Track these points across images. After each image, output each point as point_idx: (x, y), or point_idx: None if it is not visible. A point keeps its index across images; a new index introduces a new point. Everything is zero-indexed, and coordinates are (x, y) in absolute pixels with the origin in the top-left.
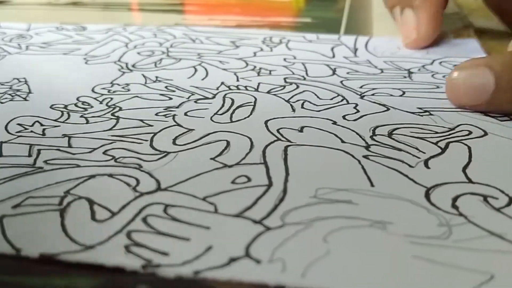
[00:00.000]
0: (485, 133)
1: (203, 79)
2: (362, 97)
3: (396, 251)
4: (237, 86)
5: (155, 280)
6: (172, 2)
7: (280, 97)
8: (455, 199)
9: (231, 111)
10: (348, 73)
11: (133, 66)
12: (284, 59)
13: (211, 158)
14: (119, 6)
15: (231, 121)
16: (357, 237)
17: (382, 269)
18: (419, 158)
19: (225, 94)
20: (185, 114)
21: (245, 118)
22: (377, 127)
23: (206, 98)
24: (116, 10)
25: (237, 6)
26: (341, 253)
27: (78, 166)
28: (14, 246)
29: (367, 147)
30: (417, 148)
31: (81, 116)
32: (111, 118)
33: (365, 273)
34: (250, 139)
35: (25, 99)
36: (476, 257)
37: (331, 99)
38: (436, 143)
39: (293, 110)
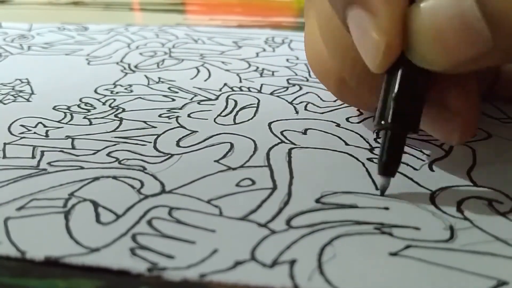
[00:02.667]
0: (489, 135)
1: (206, 80)
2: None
3: (402, 255)
4: (240, 87)
5: (161, 283)
6: (173, 2)
7: (283, 99)
8: (460, 203)
9: (234, 112)
10: None
11: (135, 67)
12: (287, 60)
13: (215, 161)
14: (120, 6)
15: (235, 123)
16: (363, 240)
17: (388, 273)
18: (423, 161)
19: (228, 96)
20: (189, 115)
21: (248, 120)
22: (381, 129)
23: (209, 99)
24: (117, 10)
25: (238, 6)
26: (347, 256)
27: (82, 168)
28: (18, 248)
29: (371, 149)
30: (421, 151)
31: (84, 118)
32: (114, 120)
33: (371, 277)
34: (254, 141)
35: (27, 100)
36: (482, 262)
37: (334, 101)
38: (440, 146)
39: (297, 112)
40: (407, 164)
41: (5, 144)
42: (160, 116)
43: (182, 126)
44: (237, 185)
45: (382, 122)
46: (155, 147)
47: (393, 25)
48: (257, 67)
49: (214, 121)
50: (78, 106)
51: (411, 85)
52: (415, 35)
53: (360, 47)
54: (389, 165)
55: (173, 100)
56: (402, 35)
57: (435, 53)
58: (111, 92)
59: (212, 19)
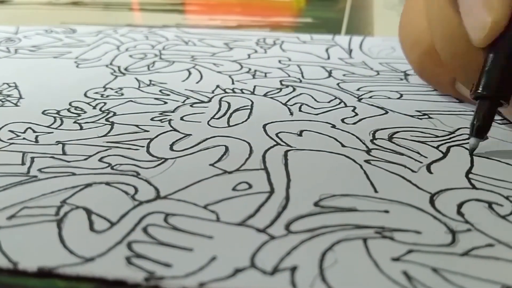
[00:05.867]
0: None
1: (197, 82)
2: (359, 99)
3: (404, 260)
4: (232, 89)
5: None
6: (173, 2)
7: (277, 100)
8: (460, 206)
9: (228, 115)
10: (344, 75)
11: (125, 69)
12: (279, 61)
13: (210, 164)
14: (119, 6)
15: (229, 126)
16: (364, 245)
17: (391, 279)
18: (421, 162)
19: (221, 98)
20: (181, 118)
21: (242, 122)
22: (376, 130)
23: (202, 101)
24: (116, 10)
25: (238, 6)
26: (349, 262)
27: (73, 174)
28: (10, 259)
29: (368, 151)
30: (418, 153)
31: (75, 122)
32: (106, 124)
33: (374, 283)
34: (249, 144)
35: (16, 104)
36: (485, 266)
37: (329, 102)
38: (437, 147)
39: (291, 114)
40: (405, 166)
41: None
42: (152, 119)
43: (175, 130)
44: (234, 189)
45: (481, 91)
46: (148, 152)
47: (502, 3)
48: (249, 69)
49: (208, 123)
50: (68, 110)
51: None
52: None
53: (466, 22)
54: (481, 128)
55: (165, 103)
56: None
57: None
58: (102, 95)
59: (212, 19)
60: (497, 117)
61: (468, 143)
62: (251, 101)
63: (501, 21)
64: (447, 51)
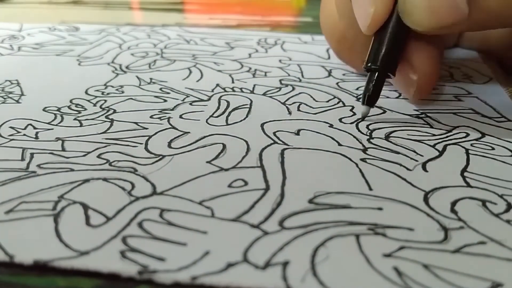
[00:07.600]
0: (482, 135)
1: (198, 81)
2: (358, 99)
3: (396, 256)
4: (232, 88)
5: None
6: (173, 1)
7: (276, 99)
8: (454, 204)
9: (226, 113)
10: (344, 74)
11: (127, 67)
12: (280, 61)
13: (207, 162)
14: (119, 4)
15: (227, 124)
16: (356, 242)
17: (381, 274)
18: (416, 161)
19: (221, 96)
20: (180, 116)
21: (241, 120)
22: (374, 129)
23: (201, 100)
24: (116, 9)
25: (238, 5)
26: (341, 258)
27: (72, 170)
28: (7, 252)
29: (364, 150)
30: (414, 151)
31: (75, 119)
32: (105, 121)
33: (365, 278)
34: (247, 142)
35: (17, 101)
36: (476, 263)
37: (327, 101)
38: (433, 146)
39: (289, 113)
40: (401, 165)
41: None
42: (151, 117)
43: (173, 127)
44: (230, 186)
45: (371, 65)
46: (146, 149)
47: None
48: (250, 68)
49: (206, 122)
50: (69, 107)
51: (395, 41)
52: (409, 1)
53: (356, 12)
54: (371, 97)
55: (165, 101)
56: (392, 3)
57: (424, 17)
58: (102, 93)
59: (212, 19)
60: (494, 115)
61: (465, 141)
62: (250, 100)
63: (382, 12)
64: (352, 35)
